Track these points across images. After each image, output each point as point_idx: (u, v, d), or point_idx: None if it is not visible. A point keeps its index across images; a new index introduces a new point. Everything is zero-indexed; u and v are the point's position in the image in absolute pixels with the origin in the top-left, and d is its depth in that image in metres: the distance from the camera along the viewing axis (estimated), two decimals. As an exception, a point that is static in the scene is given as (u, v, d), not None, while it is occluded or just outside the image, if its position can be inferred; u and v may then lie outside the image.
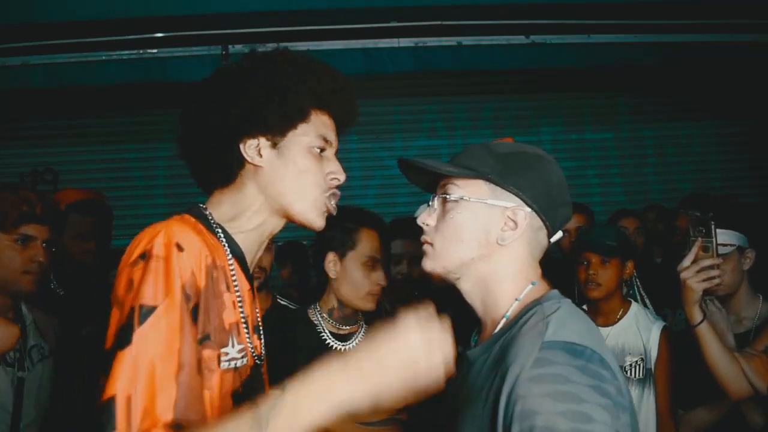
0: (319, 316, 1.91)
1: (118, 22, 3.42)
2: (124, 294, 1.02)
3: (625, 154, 4.77)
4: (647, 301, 2.60)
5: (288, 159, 1.16)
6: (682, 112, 4.81)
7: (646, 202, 4.06)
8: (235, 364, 1.11)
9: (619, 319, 2.39)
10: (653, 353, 2.30)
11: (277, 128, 1.15)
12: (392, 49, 3.65)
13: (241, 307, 1.15)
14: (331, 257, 1.88)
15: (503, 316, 1.10)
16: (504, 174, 1.10)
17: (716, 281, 1.87)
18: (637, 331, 2.35)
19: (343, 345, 1.88)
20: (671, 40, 3.78)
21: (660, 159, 4.78)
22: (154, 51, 3.59)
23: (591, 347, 0.98)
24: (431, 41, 3.67)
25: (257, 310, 1.27)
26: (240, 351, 1.12)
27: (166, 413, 0.95)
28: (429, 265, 1.16)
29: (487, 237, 1.11)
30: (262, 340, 1.25)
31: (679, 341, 2.25)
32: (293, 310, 2.38)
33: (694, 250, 1.89)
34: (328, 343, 1.87)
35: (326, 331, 1.89)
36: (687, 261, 1.88)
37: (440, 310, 1.09)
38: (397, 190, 4.35)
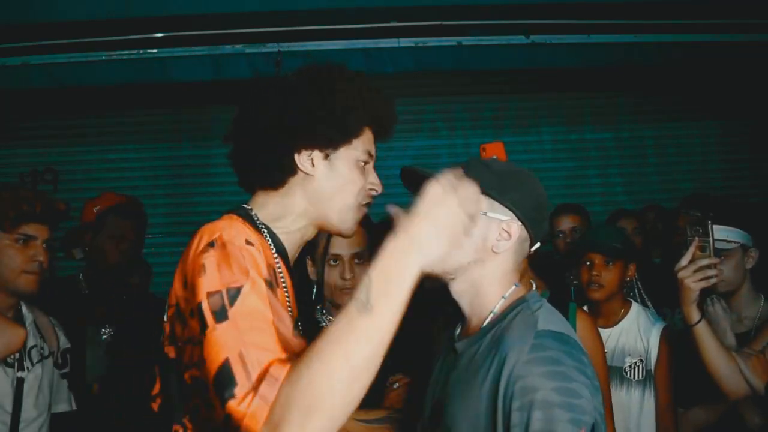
0: (321, 316, 1.96)
1: (118, 22, 3.41)
2: (198, 277, 1.07)
3: (625, 154, 4.77)
4: (648, 302, 2.60)
5: (337, 171, 1.27)
6: (682, 112, 4.80)
7: (646, 202, 4.06)
8: None
9: (619, 321, 2.39)
10: (653, 354, 2.29)
11: (333, 144, 1.26)
12: (392, 49, 3.64)
13: (289, 304, 1.25)
14: (308, 262, 1.95)
15: (490, 312, 1.26)
16: (502, 189, 1.24)
17: (713, 281, 1.87)
18: (637, 333, 2.35)
19: None
20: (671, 40, 3.78)
21: (660, 159, 4.78)
22: (154, 51, 3.59)
23: (573, 337, 1.19)
24: (431, 41, 3.66)
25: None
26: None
27: (277, 351, 0.99)
28: None
29: (483, 244, 1.25)
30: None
31: (679, 341, 2.25)
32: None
33: (692, 249, 1.90)
34: None
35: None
36: (684, 261, 1.90)
37: (441, 309, 1.16)
38: (397, 190, 4.35)
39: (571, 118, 4.73)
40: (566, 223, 2.94)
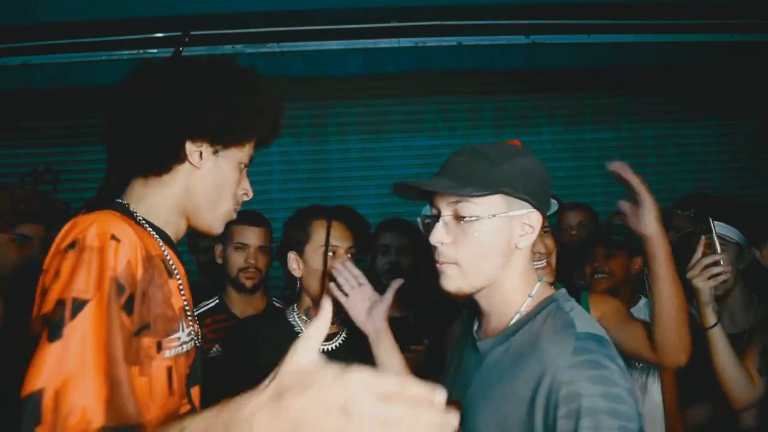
0: (296, 317, 1.91)
1: (118, 22, 3.42)
2: (50, 283, 1.01)
3: (625, 154, 4.76)
4: None
5: (221, 169, 1.27)
6: (682, 112, 4.80)
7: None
8: (186, 348, 1.19)
9: None
10: None
11: (225, 142, 1.25)
12: (392, 49, 3.64)
13: (183, 292, 1.22)
14: (292, 257, 1.90)
15: (516, 312, 1.19)
16: (513, 183, 1.17)
17: (722, 278, 1.82)
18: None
19: (325, 345, 1.87)
20: (671, 40, 3.78)
21: (660, 159, 4.77)
22: (154, 51, 3.59)
23: (609, 340, 1.13)
24: (431, 41, 3.66)
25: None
26: (189, 335, 1.20)
27: (97, 416, 0.92)
28: (455, 285, 1.20)
29: (508, 246, 1.19)
30: (198, 324, 1.31)
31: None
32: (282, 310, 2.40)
33: (700, 249, 1.86)
34: None
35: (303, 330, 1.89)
36: (693, 261, 1.86)
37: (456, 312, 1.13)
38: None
39: (571, 118, 4.72)
40: (572, 218, 2.99)
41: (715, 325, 1.85)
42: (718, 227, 2.00)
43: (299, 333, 1.87)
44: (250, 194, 1.34)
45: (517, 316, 1.19)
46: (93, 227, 1.05)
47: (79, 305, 0.98)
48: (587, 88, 4.60)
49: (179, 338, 1.16)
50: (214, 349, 2.37)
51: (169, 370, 1.13)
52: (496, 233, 1.17)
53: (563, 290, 1.24)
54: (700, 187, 4.56)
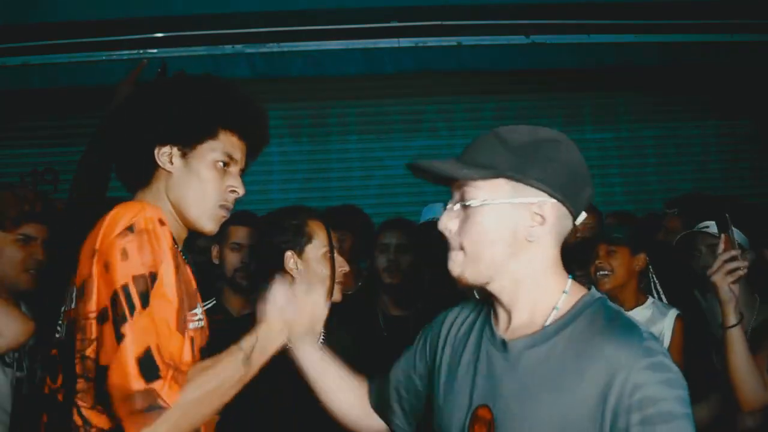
0: None
1: (118, 22, 3.42)
2: (117, 261, 1.17)
3: (625, 154, 4.76)
4: (663, 296, 2.60)
5: (193, 169, 1.33)
6: (682, 112, 4.80)
7: (646, 202, 4.06)
8: (201, 324, 1.34)
9: (632, 308, 2.41)
10: (667, 337, 2.32)
11: (187, 140, 1.32)
12: (392, 49, 3.64)
13: (195, 276, 1.37)
14: (289, 256, 1.87)
15: (553, 308, 1.11)
16: (523, 168, 1.08)
17: (740, 273, 1.80)
18: (651, 317, 2.38)
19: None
20: (671, 40, 3.78)
21: (660, 159, 4.77)
22: (154, 51, 3.59)
23: None
24: (431, 41, 3.66)
25: None
26: (203, 313, 1.36)
27: (183, 355, 1.19)
28: (458, 270, 1.14)
29: (515, 236, 1.10)
30: None
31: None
32: None
33: (721, 246, 1.84)
34: None
35: None
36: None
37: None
38: (397, 190, 4.35)
39: (571, 118, 4.72)
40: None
41: (735, 324, 1.82)
42: (716, 229, 2.00)
43: None
44: (240, 191, 1.37)
45: (554, 313, 1.11)
46: (143, 212, 1.22)
47: (153, 276, 1.18)
48: (587, 88, 4.60)
49: (196, 314, 1.32)
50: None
51: (192, 341, 1.28)
52: (497, 220, 1.09)
53: (594, 288, 1.18)
54: (700, 187, 4.56)
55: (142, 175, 1.35)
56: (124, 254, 1.17)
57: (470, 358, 1.19)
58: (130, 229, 1.19)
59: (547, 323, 1.10)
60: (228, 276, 2.48)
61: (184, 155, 1.33)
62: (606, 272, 2.36)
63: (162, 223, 1.23)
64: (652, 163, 4.77)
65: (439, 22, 3.63)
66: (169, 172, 1.33)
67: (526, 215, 1.09)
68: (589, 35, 3.72)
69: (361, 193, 4.37)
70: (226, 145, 1.35)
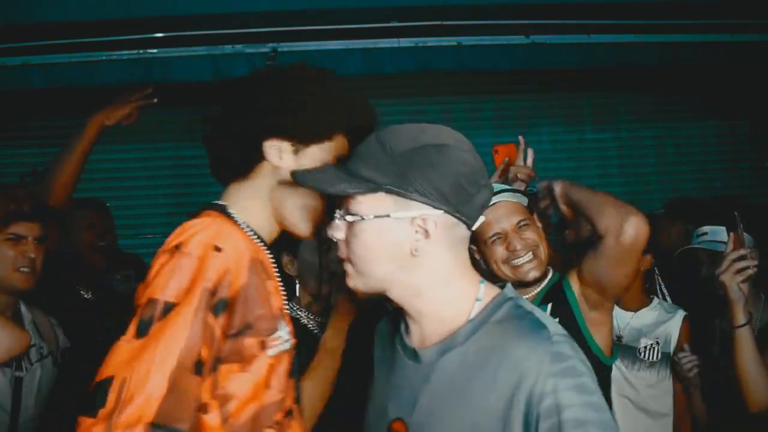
0: (299, 311, 1.90)
1: (118, 22, 3.41)
2: (151, 278, 1.10)
3: (625, 154, 4.76)
4: (668, 298, 2.61)
5: (303, 166, 1.23)
6: (682, 112, 4.80)
7: (646, 203, 4.06)
8: (287, 346, 1.22)
9: (639, 308, 2.41)
10: (674, 338, 2.33)
11: (302, 138, 1.23)
12: (392, 49, 3.64)
13: (283, 292, 1.26)
14: (286, 259, 1.90)
15: (466, 319, 1.07)
16: (405, 180, 1.02)
17: (749, 272, 1.80)
18: (658, 318, 2.38)
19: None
20: (671, 40, 3.78)
21: (660, 159, 4.77)
22: (154, 51, 3.59)
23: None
24: (431, 41, 3.66)
25: None
26: (288, 333, 1.23)
27: (149, 411, 0.99)
28: (352, 282, 1.12)
29: (400, 250, 1.05)
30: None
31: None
32: None
33: (729, 245, 1.84)
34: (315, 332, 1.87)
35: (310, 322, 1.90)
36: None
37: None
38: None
39: (571, 118, 4.72)
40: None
41: (744, 324, 1.82)
42: (720, 232, 1.99)
43: (305, 325, 1.88)
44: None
45: (468, 322, 1.07)
46: (200, 234, 1.12)
47: (168, 308, 1.05)
48: (587, 88, 4.60)
49: (280, 336, 1.20)
50: None
51: (270, 367, 1.17)
52: (379, 235, 1.05)
53: (510, 286, 1.14)
54: (700, 188, 4.56)
55: (242, 165, 1.27)
56: (158, 273, 1.10)
57: (387, 370, 1.18)
58: (177, 247, 1.11)
59: (461, 330, 1.06)
60: None
61: (296, 152, 1.24)
62: None
63: (217, 249, 1.10)
64: (652, 163, 4.77)
65: (439, 22, 3.62)
66: (275, 167, 1.24)
67: (410, 229, 1.04)
68: (589, 35, 3.71)
69: (361, 193, 4.37)
70: (337, 147, 1.27)
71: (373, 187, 1.04)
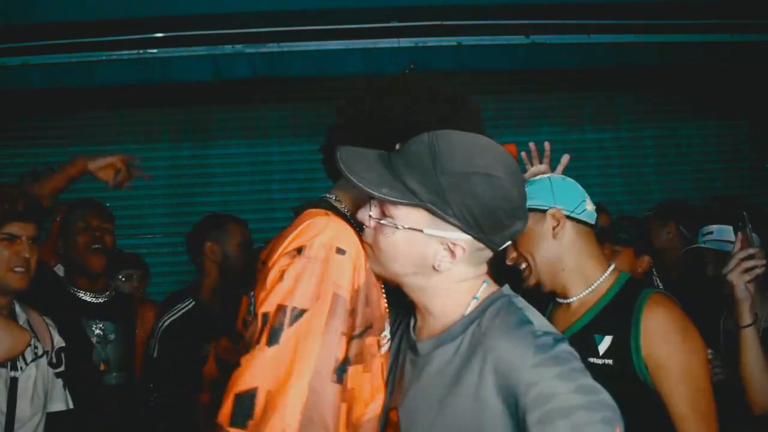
0: None
1: (118, 22, 3.42)
2: (273, 285, 1.08)
3: (625, 154, 4.76)
4: None
5: None
6: (682, 112, 4.80)
7: (646, 202, 4.06)
8: (389, 345, 1.22)
9: None
10: None
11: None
12: (392, 49, 3.64)
13: (384, 295, 1.23)
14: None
15: (462, 315, 1.10)
16: (446, 200, 1.03)
17: (757, 271, 1.76)
18: None
19: None
20: (671, 40, 3.78)
21: (660, 159, 4.77)
22: (154, 51, 3.59)
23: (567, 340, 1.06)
24: (431, 41, 3.66)
25: None
26: (392, 332, 1.23)
27: (293, 421, 1.01)
28: (369, 264, 1.15)
29: (423, 262, 1.07)
30: None
31: None
32: None
33: (737, 244, 1.81)
34: None
35: None
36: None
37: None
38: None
39: (571, 118, 4.72)
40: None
41: (750, 324, 1.79)
42: (724, 231, 1.98)
43: None
44: None
45: (463, 319, 1.10)
46: (321, 236, 1.09)
47: (298, 314, 1.05)
48: (587, 88, 4.60)
49: (386, 336, 1.20)
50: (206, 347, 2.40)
51: (382, 366, 1.18)
52: (407, 244, 1.07)
53: (507, 285, 1.16)
54: (699, 188, 4.56)
55: None
56: (281, 278, 1.08)
57: (393, 361, 1.22)
58: (299, 251, 1.08)
59: (456, 326, 1.10)
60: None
61: None
62: None
63: (341, 251, 1.09)
64: (652, 163, 4.77)
65: (439, 22, 3.63)
66: None
67: (438, 247, 1.06)
68: (589, 35, 3.72)
69: (361, 193, 4.38)
70: None
71: (415, 202, 1.04)
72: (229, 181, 4.41)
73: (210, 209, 3.13)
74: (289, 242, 1.11)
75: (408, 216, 1.06)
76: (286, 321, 1.04)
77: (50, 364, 2.12)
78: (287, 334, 1.04)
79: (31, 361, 2.02)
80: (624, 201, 4.43)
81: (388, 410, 1.15)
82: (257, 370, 1.03)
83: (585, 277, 1.56)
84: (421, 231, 1.05)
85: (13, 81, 3.57)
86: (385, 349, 1.19)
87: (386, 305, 1.24)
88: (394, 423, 1.12)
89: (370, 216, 1.11)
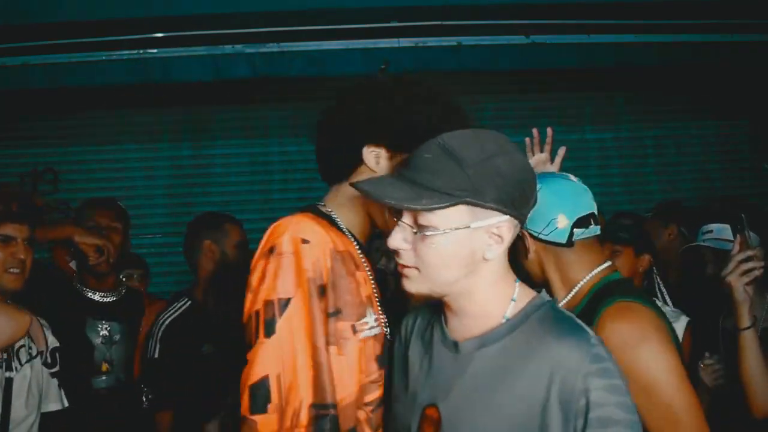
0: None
1: (118, 22, 3.42)
2: (258, 285, 1.22)
3: (625, 154, 4.76)
4: (667, 297, 2.59)
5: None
6: (682, 112, 4.80)
7: (646, 202, 4.06)
8: (374, 332, 1.31)
9: None
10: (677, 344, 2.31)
11: (397, 146, 1.32)
12: (392, 49, 3.64)
13: (373, 281, 1.36)
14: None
15: (502, 317, 1.13)
16: (481, 190, 1.05)
17: (756, 273, 1.77)
18: None
19: None
20: (671, 40, 3.78)
21: (660, 159, 4.77)
22: (154, 51, 3.59)
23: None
24: (431, 41, 3.66)
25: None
26: (376, 320, 1.32)
27: (307, 394, 1.18)
28: (414, 287, 1.14)
29: (472, 257, 1.10)
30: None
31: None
32: None
33: (736, 246, 1.81)
34: None
35: None
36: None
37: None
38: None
39: (571, 118, 4.72)
40: None
41: (749, 327, 1.79)
42: (724, 230, 1.98)
43: None
44: None
45: (504, 321, 1.12)
46: (287, 233, 1.24)
47: (285, 303, 1.20)
48: (587, 88, 4.60)
49: (367, 322, 1.29)
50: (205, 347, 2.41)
51: (360, 351, 1.27)
52: (457, 245, 1.08)
53: (544, 291, 1.20)
54: (699, 188, 4.56)
55: (343, 168, 1.38)
56: (262, 278, 1.22)
57: (422, 359, 1.23)
58: (271, 250, 1.23)
59: (499, 328, 1.12)
60: None
61: (390, 158, 1.33)
62: None
63: (305, 241, 1.23)
64: (652, 163, 4.77)
65: (439, 22, 3.63)
66: (373, 171, 1.34)
67: (485, 236, 1.09)
68: (589, 35, 3.72)
69: (361, 193, 4.38)
70: None
71: (454, 201, 1.06)
72: (229, 181, 4.41)
73: (210, 209, 3.13)
74: (263, 245, 1.26)
75: (449, 218, 1.07)
76: (277, 312, 1.19)
77: (45, 364, 2.12)
78: (281, 323, 1.18)
79: (26, 362, 2.03)
80: (624, 201, 4.43)
81: (423, 407, 1.16)
82: (263, 360, 1.17)
83: (568, 282, 1.53)
84: (468, 227, 1.07)
85: (13, 81, 3.57)
86: (365, 334, 1.28)
87: (374, 294, 1.34)
88: (434, 420, 1.13)
89: (404, 238, 1.11)
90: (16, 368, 1.99)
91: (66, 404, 2.18)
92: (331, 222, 1.35)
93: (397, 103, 1.32)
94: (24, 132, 4.50)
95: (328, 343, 1.22)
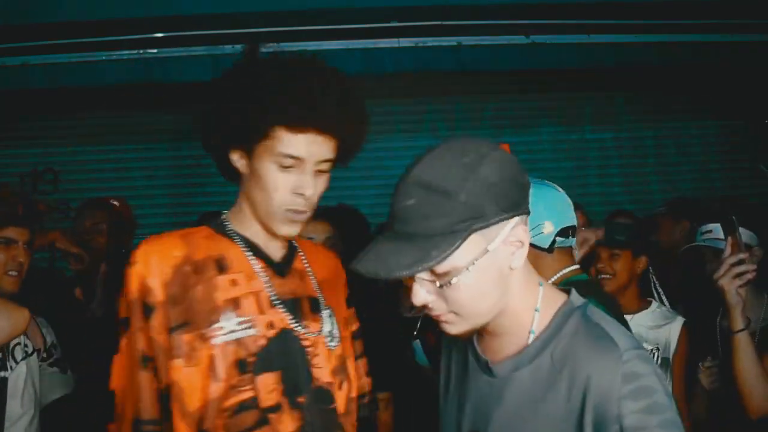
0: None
1: (118, 22, 3.42)
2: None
3: (625, 154, 4.76)
4: (664, 298, 2.60)
5: (256, 171, 1.27)
6: (682, 112, 4.80)
7: (646, 202, 4.06)
8: (237, 336, 1.24)
9: (637, 311, 2.41)
10: (673, 344, 2.32)
11: (244, 144, 1.28)
12: (392, 49, 3.65)
13: (266, 282, 1.30)
14: None
15: (528, 330, 1.07)
16: (481, 211, 0.97)
17: (748, 276, 1.78)
18: (657, 323, 2.37)
19: None
20: (671, 40, 3.78)
21: (660, 159, 4.77)
22: (154, 51, 3.59)
23: (641, 343, 1.08)
24: (431, 41, 3.67)
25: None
26: (242, 323, 1.25)
27: (132, 409, 1.27)
28: (456, 330, 1.06)
29: (501, 275, 1.03)
30: (321, 313, 1.37)
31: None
32: None
33: (727, 249, 1.81)
34: None
35: None
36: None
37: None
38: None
39: (571, 118, 4.72)
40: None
41: (743, 329, 1.80)
42: (720, 232, 1.98)
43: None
44: (307, 192, 1.25)
45: (532, 336, 1.06)
46: (134, 252, 1.28)
47: (122, 322, 1.28)
48: (587, 88, 4.60)
49: (222, 327, 1.24)
50: None
51: (212, 358, 1.23)
52: (483, 273, 1.01)
53: (573, 292, 1.12)
54: (700, 188, 4.56)
55: (232, 178, 1.36)
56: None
57: (458, 382, 1.18)
58: None
59: (529, 344, 1.06)
60: None
61: (248, 158, 1.28)
62: (608, 275, 2.36)
63: (131, 263, 1.27)
64: (652, 163, 4.77)
65: (439, 22, 3.63)
66: (244, 174, 1.31)
67: (505, 249, 1.02)
68: (589, 35, 3.72)
69: (360, 193, 4.38)
70: (283, 143, 1.23)
71: (462, 236, 0.97)
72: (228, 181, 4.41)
73: (210, 209, 3.12)
74: None
75: (464, 254, 0.99)
76: (122, 330, 1.28)
77: (43, 359, 2.14)
78: (123, 341, 1.28)
79: (22, 359, 2.03)
80: (624, 201, 4.43)
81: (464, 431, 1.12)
82: (113, 374, 1.30)
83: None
84: (486, 251, 0.99)
85: (13, 81, 3.58)
86: (221, 340, 1.23)
87: (235, 298, 1.27)
88: None
89: (428, 291, 1.04)
90: (11, 367, 1.99)
91: (72, 385, 2.21)
92: (219, 228, 1.35)
93: (225, 98, 1.31)
94: (24, 132, 4.50)
95: (171, 357, 1.23)
